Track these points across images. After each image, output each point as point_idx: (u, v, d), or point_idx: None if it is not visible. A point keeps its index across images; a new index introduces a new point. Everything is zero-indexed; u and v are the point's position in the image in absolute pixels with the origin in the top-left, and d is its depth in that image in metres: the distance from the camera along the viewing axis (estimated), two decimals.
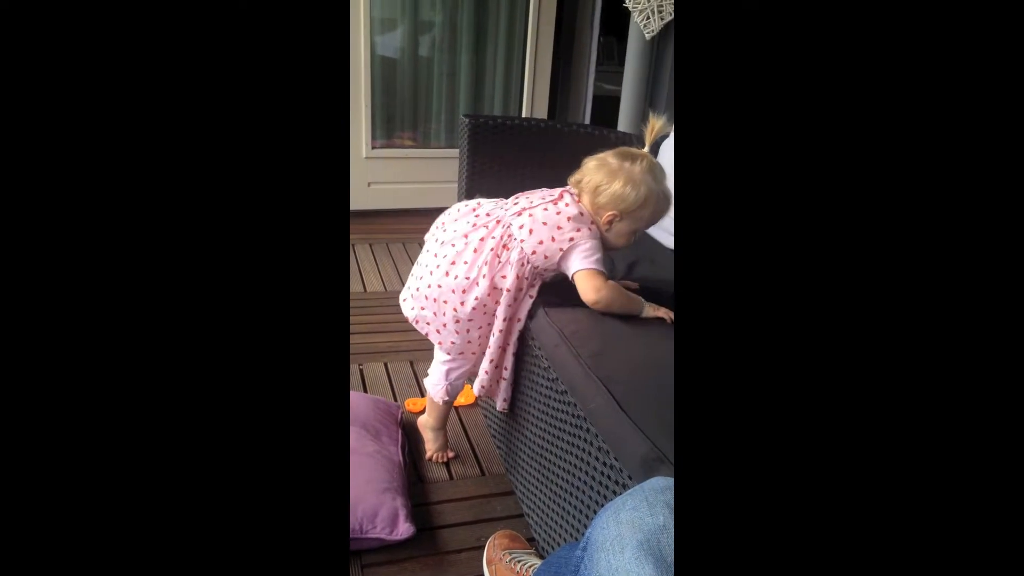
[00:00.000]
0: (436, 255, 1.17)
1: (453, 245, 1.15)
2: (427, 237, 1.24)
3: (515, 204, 1.17)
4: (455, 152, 1.73)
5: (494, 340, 1.18)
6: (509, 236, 1.13)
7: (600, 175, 1.13)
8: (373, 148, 2.71)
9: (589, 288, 1.09)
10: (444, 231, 1.19)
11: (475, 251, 1.13)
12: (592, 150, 1.74)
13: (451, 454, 1.41)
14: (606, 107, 2.72)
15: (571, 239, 1.10)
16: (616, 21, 2.97)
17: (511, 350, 1.20)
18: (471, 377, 1.30)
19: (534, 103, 2.85)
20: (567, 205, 1.13)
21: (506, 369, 1.22)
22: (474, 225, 1.16)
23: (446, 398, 1.32)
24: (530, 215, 1.13)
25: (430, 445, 1.40)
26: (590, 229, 1.12)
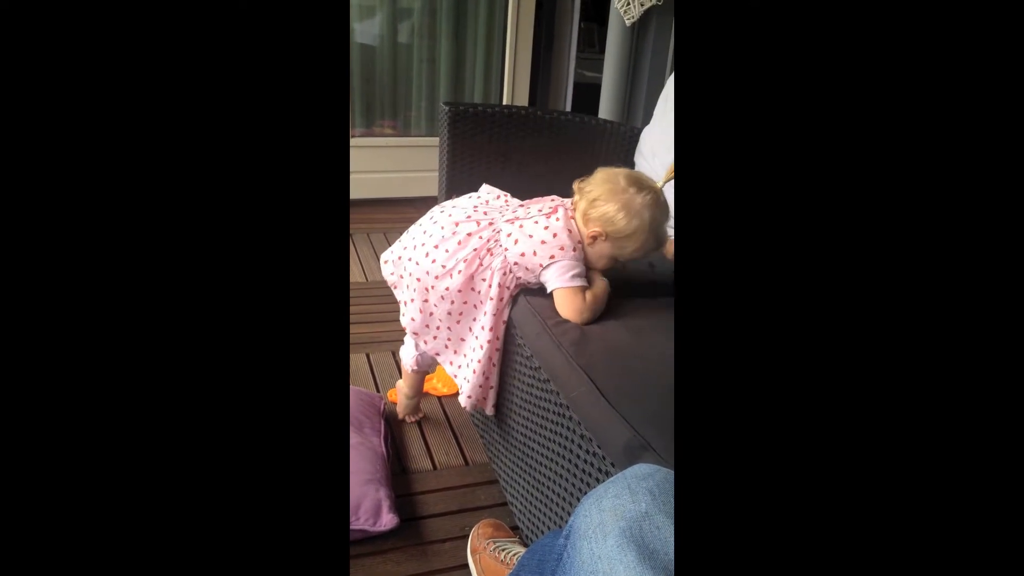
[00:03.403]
0: (426, 232, 1.17)
1: (442, 228, 1.15)
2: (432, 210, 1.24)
3: (513, 212, 1.17)
4: (436, 140, 1.72)
5: (483, 353, 1.15)
6: (496, 242, 1.12)
7: (602, 189, 1.11)
8: (353, 136, 2.68)
9: (570, 310, 1.08)
10: (442, 211, 1.19)
11: (459, 243, 1.12)
12: (573, 137, 1.74)
13: (421, 414, 1.49)
14: (587, 94, 2.71)
15: (551, 256, 1.09)
16: (596, 7, 2.96)
17: (497, 360, 1.18)
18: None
19: (515, 90, 2.84)
20: (557, 220, 1.12)
21: (493, 370, 1.19)
22: (468, 217, 1.15)
23: (415, 367, 1.37)
24: (520, 226, 1.12)
25: (400, 408, 1.47)
26: (574, 249, 1.10)
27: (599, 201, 1.10)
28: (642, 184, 1.11)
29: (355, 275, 2.18)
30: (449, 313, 1.16)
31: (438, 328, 1.20)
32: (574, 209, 1.14)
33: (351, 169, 2.70)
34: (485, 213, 1.17)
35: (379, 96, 2.74)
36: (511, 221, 1.13)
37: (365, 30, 2.63)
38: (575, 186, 1.16)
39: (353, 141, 2.68)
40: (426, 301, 1.16)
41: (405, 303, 1.21)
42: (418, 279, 1.15)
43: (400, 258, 1.20)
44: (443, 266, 1.12)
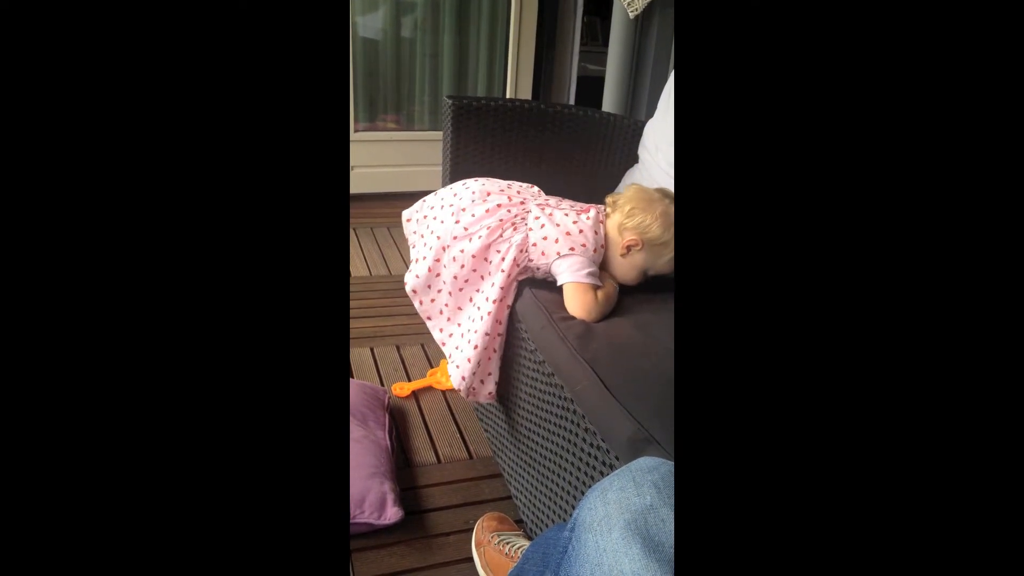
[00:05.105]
0: (456, 195, 1.19)
1: (474, 193, 1.18)
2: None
3: (545, 198, 1.20)
4: (439, 134, 1.71)
5: (480, 326, 1.14)
6: (522, 219, 1.14)
7: (637, 200, 1.15)
8: (356, 131, 2.68)
9: (580, 306, 1.07)
10: (476, 180, 1.22)
11: (487, 211, 1.14)
12: (577, 131, 1.73)
13: None
14: (591, 87, 2.70)
15: (571, 248, 1.10)
16: (600, 1, 2.95)
17: (499, 347, 1.17)
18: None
19: (518, 84, 2.83)
20: (587, 219, 1.14)
21: (494, 356, 1.18)
22: (500, 191, 1.19)
23: None
24: (549, 213, 1.14)
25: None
26: (594, 251, 1.12)
27: (635, 211, 1.14)
28: (673, 196, 1.16)
29: (359, 269, 2.18)
30: (455, 277, 1.16)
31: (439, 291, 1.20)
32: (606, 217, 1.17)
33: (354, 164, 2.70)
34: (518, 192, 1.20)
35: (382, 90, 2.73)
36: (541, 206, 1.16)
37: (368, 24, 2.62)
38: (607, 200, 1.20)
39: (356, 135, 2.68)
40: (437, 260, 1.17)
41: (416, 260, 1.22)
42: (438, 237, 1.17)
43: (425, 217, 1.23)
44: (465, 228, 1.14)
